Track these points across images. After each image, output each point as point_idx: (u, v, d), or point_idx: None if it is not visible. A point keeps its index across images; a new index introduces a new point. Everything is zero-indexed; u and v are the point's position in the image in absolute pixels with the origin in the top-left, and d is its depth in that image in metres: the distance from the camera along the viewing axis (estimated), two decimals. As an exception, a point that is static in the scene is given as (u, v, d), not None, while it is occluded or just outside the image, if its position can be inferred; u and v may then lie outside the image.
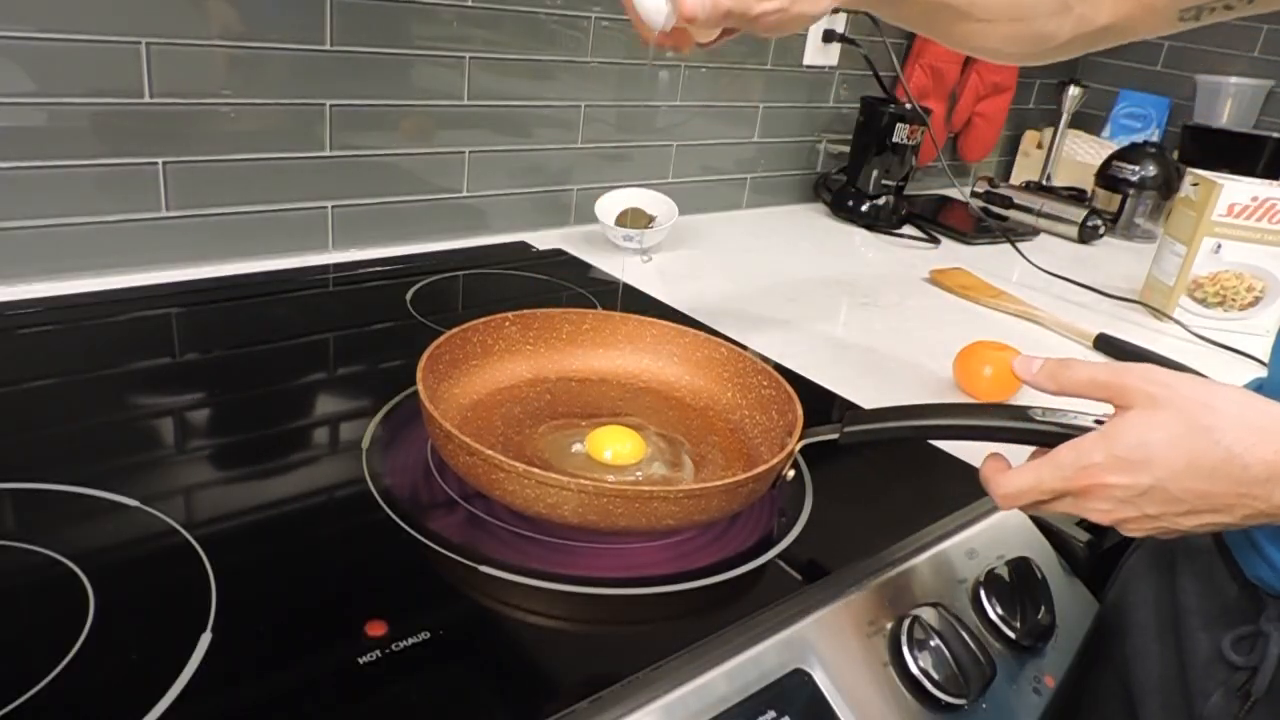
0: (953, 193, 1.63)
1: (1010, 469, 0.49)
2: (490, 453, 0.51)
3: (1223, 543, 0.62)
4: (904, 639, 0.51)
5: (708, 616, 0.50)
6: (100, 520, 0.52)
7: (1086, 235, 1.47)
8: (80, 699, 0.41)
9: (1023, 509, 0.50)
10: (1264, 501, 0.43)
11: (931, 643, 0.51)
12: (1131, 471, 0.44)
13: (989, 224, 1.43)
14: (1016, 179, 1.78)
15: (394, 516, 0.55)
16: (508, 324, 0.69)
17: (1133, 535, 0.48)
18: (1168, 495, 0.44)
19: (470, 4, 0.98)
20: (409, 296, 0.90)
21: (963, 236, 1.40)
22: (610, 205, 1.13)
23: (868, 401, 0.78)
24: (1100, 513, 0.47)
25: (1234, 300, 1.10)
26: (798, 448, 0.57)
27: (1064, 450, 0.46)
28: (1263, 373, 0.91)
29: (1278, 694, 0.56)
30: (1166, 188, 1.50)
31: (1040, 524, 0.66)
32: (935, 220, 1.44)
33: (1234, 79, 1.62)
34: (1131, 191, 1.52)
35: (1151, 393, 0.45)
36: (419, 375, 0.58)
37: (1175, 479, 0.44)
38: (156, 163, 0.84)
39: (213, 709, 0.41)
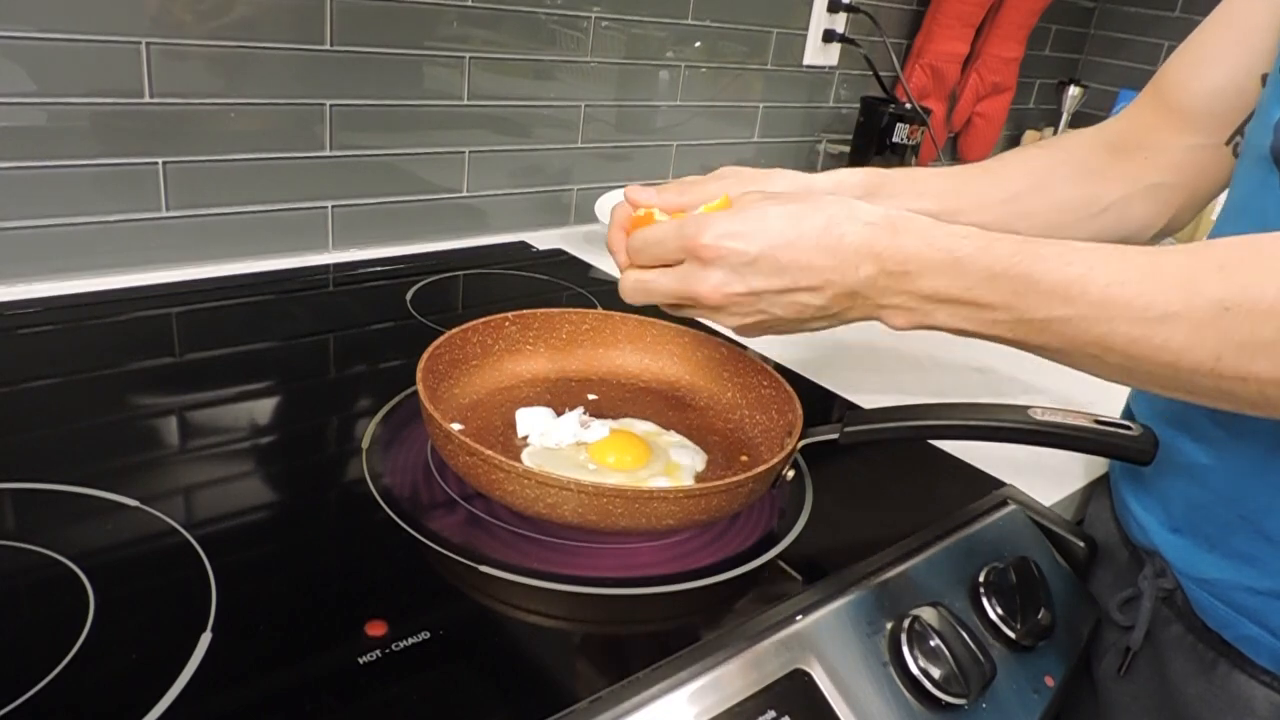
0: (953, 193, 1.62)
1: (643, 228, 0.54)
2: (490, 453, 0.51)
3: (1114, 511, 0.66)
4: (904, 639, 0.51)
5: (708, 616, 0.50)
6: (100, 520, 0.52)
7: (1086, 235, 1.47)
8: (80, 699, 0.41)
9: (648, 294, 0.54)
10: (852, 278, 0.48)
11: (931, 643, 0.51)
12: (745, 238, 0.49)
13: (989, 224, 1.43)
14: (1016, 179, 1.78)
15: (394, 516, 0.55)
16: (508, 324, 0.69)
17: (741, 332, 0.53)
18: (774, 264, 0.49)
19: (470, 4, 0.98)
20: (409, 296, 0.90)
21: (963, 236, 1.39)
22: (610, 205, 1.13)
23: (868, 401, 0.78)
24: (714, 282, 0.50)
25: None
26: (798, 448, 0.57)
27: (693, 218, 0.51)
28: None
29: (1154, 646, 0.60)
30: (1166, 188, 1.50)
31: (1040, 524, 0.66)
32: (935, 220, 1.43)
33: (1234, 79, 1.62)
34: (1131, 191, 1.52)
35: (772, 194, 0.52)
36: (419, 375, 0.58)
37: (784, 248, 0.48)
38: (156, 163, 0.84)
39: (213, 709, 0.41)
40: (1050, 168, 0.67)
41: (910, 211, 0.56)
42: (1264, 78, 0.58)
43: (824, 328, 0.53)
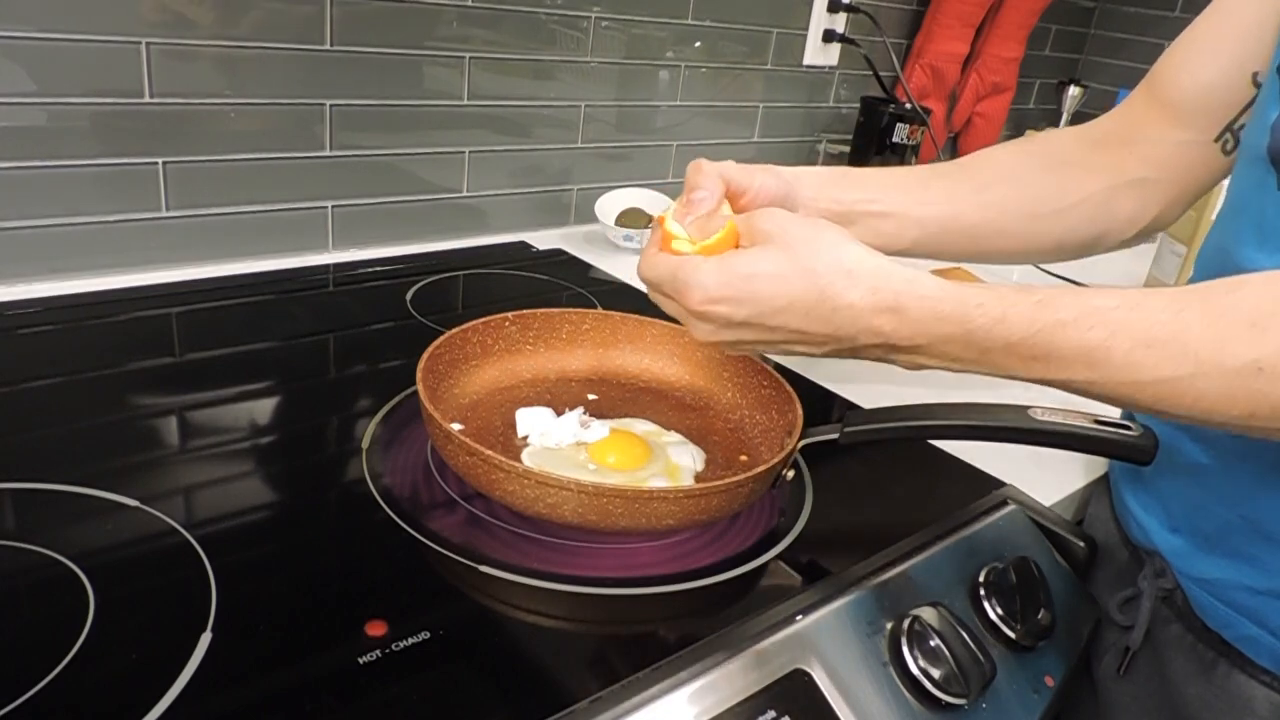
0: (953, 193, 1.62)
1: (658, 255, 0.52)
2: (490, 453, 0.51)
3: (1114, 511, 0.65)
4: (904, 639, 0.51)
5: (708, 616, 0.50)
6: (100, 520, 0.52)
7: (1086, 235, 1.47)
8: (80, 699, 0.41)
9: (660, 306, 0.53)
10: (847, 342, 0.48)
11: (931, 643, 0.51)
12: (735, 303, 0.48)
13: (989, 224, 1.43)
14: (1016, 179, 1.78)
15: (394, 516, 0.55)
16: (508, 324, 0.69)
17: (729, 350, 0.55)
18: (764, 328, 0.48)
19: (470, 4, 0.98)
20: (409, 296, 0.90)
21: (963, 236, 1.39)
22: (610, 205, 1.13)
23: (868, 401, 0.78)
24: (703, 333, 0.50)
25: (1234, 300, 1.10)
26: (798, 448, 0.57)
27: (686, 267, 0.49)
28: None
29: (1154, 646, 0.60)
30: (1166, 188, 1.50)
31: (1040, 524, 0.66)
32: (935, 220, 1.43)
33: (1234, 79, 1.62)
34: (1131, 191, 1.52)
35: (768, 230, 0.49)
36: (419, 375, 0.58)
37: (774, 315, 0.47)
38: (156, 163, 0.84)
39: (213, 709, 0.41)
40: (1023, 160, 0.67)
41: (879, 211, 0.57)
42: (1254, 76, 0.58)
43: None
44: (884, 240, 0.61)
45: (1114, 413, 0.54)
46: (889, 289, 0.46)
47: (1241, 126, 0.60)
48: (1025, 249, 0.66)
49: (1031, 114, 1.82)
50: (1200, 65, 0.62)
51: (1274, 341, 0.40)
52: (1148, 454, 0.53)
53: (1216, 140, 0.62)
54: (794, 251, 0.47)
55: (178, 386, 0.69)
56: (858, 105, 1.38)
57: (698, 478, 0.60)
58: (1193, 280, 0.62)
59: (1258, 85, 0.57)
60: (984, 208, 0.64)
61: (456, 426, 0.60)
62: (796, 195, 0.59)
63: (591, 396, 0.70)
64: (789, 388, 0.63)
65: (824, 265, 0.47)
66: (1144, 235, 0.68)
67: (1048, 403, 0.54)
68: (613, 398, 0.70)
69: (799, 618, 0.50)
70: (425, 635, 0.46)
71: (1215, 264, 0.56)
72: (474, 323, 0.67)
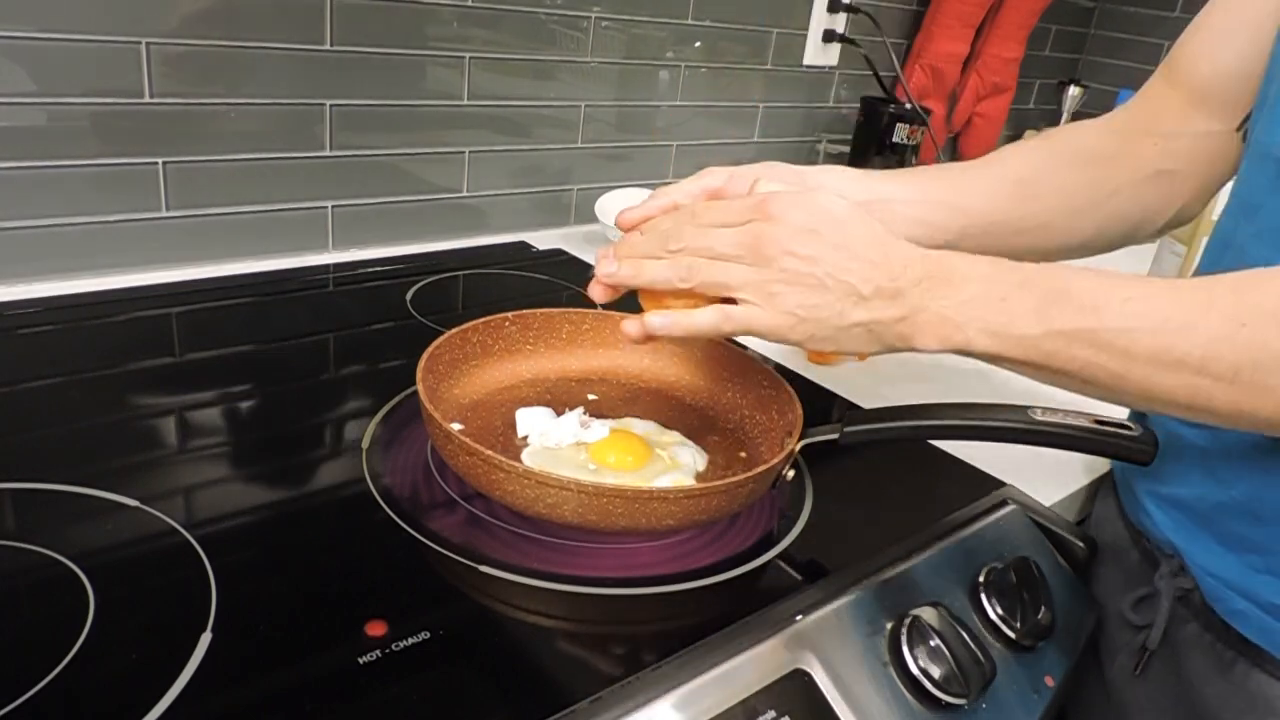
0: (953, 193, 1.62)
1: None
2: (490, 453, 0.51)
3: (1122, 510, 0.65)
4: (904, 639, 0.51)
5: (708, 616, 0.50)
6: (100, 520, 0.52)
7: (1086, 235, 1.47)
8: (80, 699, 0.41)
9: (710, 249, 0.51)
10: (899, 276, 0.48)
11: (931, 643, 0.51)
12: (809, 209, 0.49)
13: (989, 224, 1.43)
14: (1016, 179, 1.78)
15: (394, 516, 0.55)
16: (508, 324, 0.69)
17: (776, 330, 0.50)
18: (833, 239, 0.48)
19: (470, 4, 0.98)
20: (409, 296, 0.90)
21: (963, 236, 1.39)
22: (610, 205, 1.13)
23: (868, 401, 0.78)
24: (773, 240, 0.48)
25: (1234, 300, 1.10)
26: (798, 448, 0.57)
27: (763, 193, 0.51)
28: None
29: (1170, 646, 0.59)
30: (1166, 188, 1.50)
31: (1040, 524, 0.66)
32: (935, 220, 1.43)
33: (1234, 79, 1.62)
34: (1131, 192, 1.52)
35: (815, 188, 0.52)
36: (419, 375, 0.58)
37: (838, 227, 0.48)
38: (156, 163, 0.84)
39: (213, 709, 0.41)
40: (1054, 153, 0.66)
41: (920, 199, 0.58)
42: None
43: (859, 342, 0.50)
44: (930, 230, 0.61)
45: (1114, 412, 0.54)
46: (931, 251, 0.50)
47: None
48: (1066, 244, 0.66)
49: (1031, 114, 1.82)
50: (1218, 51, 0.61)
51: (1253, 299, 0.43)
52: (1148, 454, 0.53)
53: (1238, 129, 0.61)
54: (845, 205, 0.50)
55: (178, 386, 0.69)
56: (858, 105, 1.38)
57: (698, 478, 0.60)
58: (1199, 274, 0.62)
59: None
60: (1027, 200, 0.64)
61: (456, 426, 0.60)
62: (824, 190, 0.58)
63: (591, 396, 0.70)
64: (789, 388, 0.63)
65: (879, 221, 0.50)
66: (1171, 226, 0.68)
67: (1048, 403, 0.54)
68: (613, 398, 0.70)
69: (799, 618, 0.50)
70: (425, 635, 0.46)
71: (1224, 264, 0.55)
72: (474, 323, 0.67)
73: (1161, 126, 0.64)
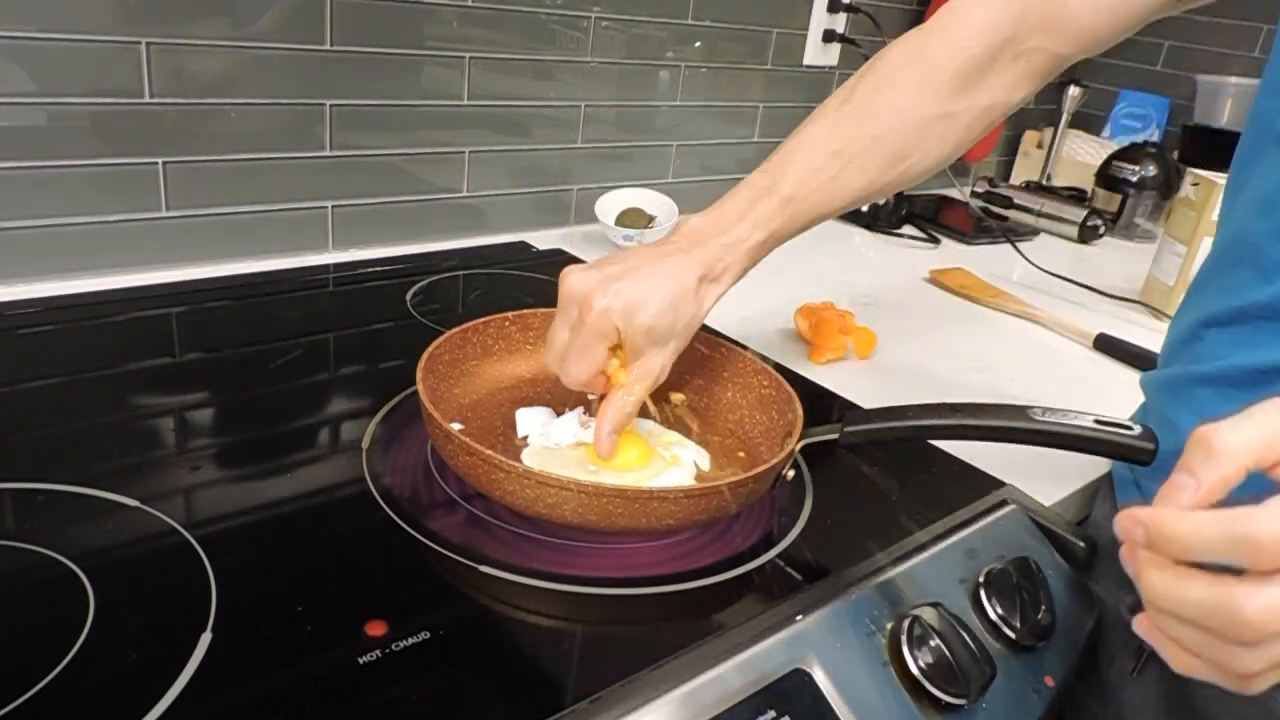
0: (953, 193, 1.63)
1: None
2: (490, 453, 0.51)
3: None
4: (904, 639, 0.51)
5: (708, 616, 0.50)
6: (100, 520, 0.52)
7: (1086, 235, 1.47)
8: (80, 699, 0.41)
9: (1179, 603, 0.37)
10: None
11: (931, 643, 0.51)
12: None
13: (989, 224, 1.43)
14: (1016, 179, 1.78)
15: (394, 516, 0.55)
16: (508, 324, 0.69)
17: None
18: None
19: (470, 4, 0.98)
20: (409, 296, 0.90)
21: (963, 236, 1.40)
22: (610, 205, 1.13)
23: (868, 401, 0.78)
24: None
25: (1234, 300, 1.10)
26: (798, 448, 0.57)
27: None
28: None
29: None
30: (1166, 188, 1.50)
31: (1040, 524, 0.66)
32: (935, 220, 1.44)
33: (1234, 79, 1.62)
34: (1131, 192, 1.52)
35: None
36: (419, 375, 0.58)
37: None
38: (156, 163, 0.84)
39: (213, 709, 0.41)
40: (915, 99, 0.63)
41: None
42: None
43: None
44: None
45: (1114, 413, 0.54)
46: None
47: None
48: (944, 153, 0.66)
49: (1031, 114, 1.82)
50: None
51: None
52: (1148, 454, 0.53)
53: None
54: None
55: (178, 386, 0.69)
56: (858, 105, 1.38)
57: (698, 477, 0.60)
58: (1207, 273, 0.62)
59: None
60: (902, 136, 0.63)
61: (456, 426, 0.60)
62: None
63: (591, 396, 0.69)
64: (789, 388, 0.63)
65: None
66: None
67: (1047, 403, 0.54)
68: (613, 398, 0.70)
69: (799, 617, 0.50)
70: (425, 635, 0.46)
71: (1233, 257, 0.54)
72: (474, 323, 0.67)
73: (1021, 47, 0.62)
